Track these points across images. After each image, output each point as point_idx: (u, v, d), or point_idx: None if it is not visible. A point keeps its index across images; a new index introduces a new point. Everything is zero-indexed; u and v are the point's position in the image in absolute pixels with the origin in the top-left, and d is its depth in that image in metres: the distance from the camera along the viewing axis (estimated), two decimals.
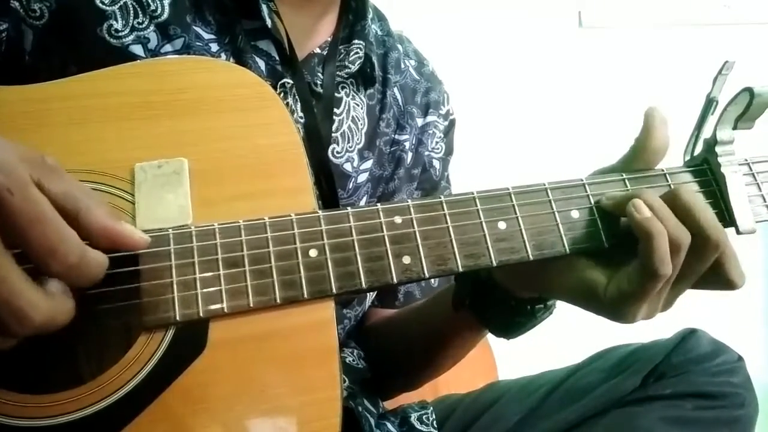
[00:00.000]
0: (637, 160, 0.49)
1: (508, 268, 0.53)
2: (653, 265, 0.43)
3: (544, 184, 0.48)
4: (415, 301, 0.75)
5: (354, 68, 0.65)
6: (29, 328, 0.33)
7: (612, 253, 0.47)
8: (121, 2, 0.55)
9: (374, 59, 0.67)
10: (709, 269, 0.46)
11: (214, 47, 0.57)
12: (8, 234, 0.32)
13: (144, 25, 0.55)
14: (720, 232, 0.44)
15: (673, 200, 0.45)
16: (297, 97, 0.60)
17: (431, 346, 0.67)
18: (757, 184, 0.51)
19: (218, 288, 0.41)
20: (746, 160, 0.51)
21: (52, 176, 0.34)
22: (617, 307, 0.46)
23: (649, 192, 0.45)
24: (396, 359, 0.71)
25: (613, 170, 0.50)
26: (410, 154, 0.72)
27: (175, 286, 0.41)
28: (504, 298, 0.55)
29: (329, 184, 0.59)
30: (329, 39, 0.65)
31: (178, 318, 0.40)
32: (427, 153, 0.74)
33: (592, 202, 0.48)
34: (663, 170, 0.50)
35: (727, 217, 0.49)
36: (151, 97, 0.46)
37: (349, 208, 0.45)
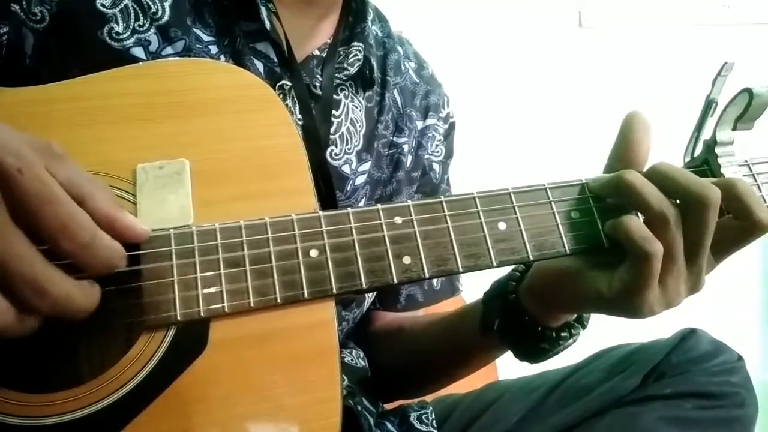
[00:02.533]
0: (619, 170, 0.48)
1: (533, 294, 0.54)
2: (636, 246, 0.43)
3: (544, 185, 0.48)
4: (417, 303, 0.75)
5: (353, 70, 0.65)
6: (48, 301, 0.33)
7: (617, 257, 0.46)
8: (122, 5, 0.55)
9: (373, 61, 0.67)
10: (735, 220, 0.45)
11: (214, 49, 0.58)
12: (20, 215, 0.33)
13: (145, 28, 0.55)
14: (707, 188, 0.44)
15: (651, 174, 0.45)
16: (295, 98, 0.60)
17: (452, 362, 0.67)
18: (758, 185, 0.51)
19: (219, 288, 0.41)
20: (746, 161, 0.51)
21: (58, 162, 0.35)
22: (626, 301, 0.46)
23: (632, 171, 0.46)
24: (410, 369, 0.71)
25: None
26: (409, 157, 0.72)
27: (176, 286, 0.41)
28: (530, 323, 0.55)
29: (327, 186, 0.60)
30: (329, 41, 0.65)
31: (179, 317, 0.40)
32: (426, 156, 0.74)
33: (593, 202, 0.48)
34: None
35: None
36: (153, 99, 0.46)
37: (349, 208, 0.45)
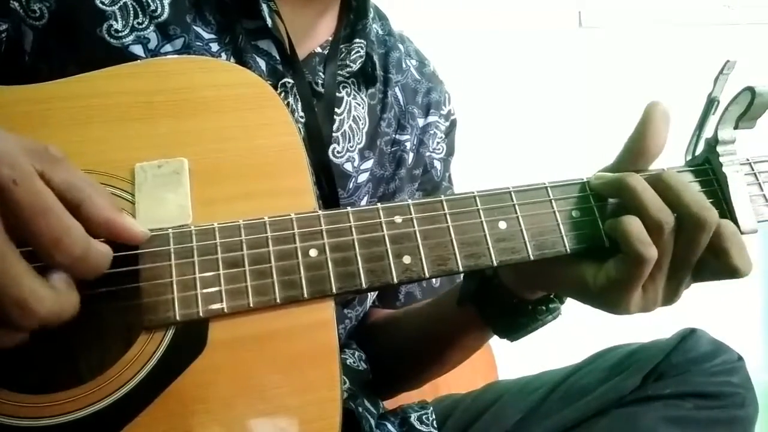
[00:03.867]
0: (632, 162, 0.48)
1: (512, 268, 0.53)
2: (633, 248, 0.43)
3: (545, 184, 0.48)
4: (416, 301, 0.75)
5: (355, 67, 0.64)
6: (33, 320, 0.33)
7: (610, 252, 0.47)
8: (121, 2, 0.55)
9: (375, 58, 0.67)
10: (712, 256, 0.45)
11: (215, 47, 0.57)
12: (13, 226, 0.32)
13: (144, 26, 0.55)
14: (706, 210, 0.44)
15: (655, 181, 0.45)
16: (298, 96, 0.59)
17: (438, 344, 0.67)
18: (759, 183, 0.51)
19: (218, 288, 0.41)
20: (748, 159, 0.51)
21: (56, 166, 0.35)
22: (608, 295, 0.46)
23: (635, 175, 0.46)
24: (402, 357, 0.71)
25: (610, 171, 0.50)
26: (411, 155, 0.72)
27: (174, 286, 0.41)
28: (506, 296, 0.55)
29: (330, 184, 0.59)
30: (330, 38, 0.65)
31: (177, 318, 0.40)
32: (428, 154, 0.74)
33: (594, 201, 0.48)
34: (664, 170, 0.49)
35: (728, 217, 0.49)
36: (152, 98, 0.46)
37: (349, 207, 0.45)
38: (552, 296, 0.56)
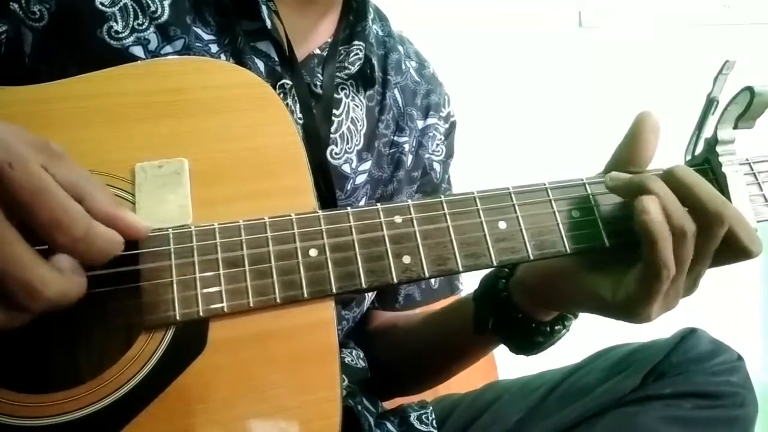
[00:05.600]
0: (621, 170, 0.48)
1: (525, 290, 0.54)
2: (658, 268, 0.43)
3: (545, 184, 0.48)
4: (415, 303, 0.75)
5: (354, 69, 0.65)
6: (41, 302, 0.33)
7: (616, 257, 0.47)
8: (121, 3, 0.55)
9: (374, 60, 0.67)
10: (722, 243, 0.45)
11: (214, 48, 0.58)
12: (13, 210, 0.32)
13: (144, 27, 0.55)
14: (721, 204, 0.44)
15: (668, 178, 0.45)
16: (296, 97, 0.60)
17: (447, 358, 0.68)
18: (758, 183, 0.51)
19: (218, 288, 0.41)
20: (747, 159, 0.51)
21: (57, 161, 0.35)
22: (630, 310, 0.46)
23: (657, 179, 0.45)
24: (406, 366, 0.71)
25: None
26: (410, 157, 0.72)
27: (175, 286, 0.41)
28: (524, 319, 0.55)
29: (327, 186, 0.59)
30: (329, 40, 0.65)
31: (178, 317, 0.40)
32: (427, 156, 0.74)
33: (593, 201, 0.48)
34: (677, 166, 0.49)
35: None
36: (152, 98, 0.46)
37: (348, 207, 0.45)
38: (566, 313, 0.56)
